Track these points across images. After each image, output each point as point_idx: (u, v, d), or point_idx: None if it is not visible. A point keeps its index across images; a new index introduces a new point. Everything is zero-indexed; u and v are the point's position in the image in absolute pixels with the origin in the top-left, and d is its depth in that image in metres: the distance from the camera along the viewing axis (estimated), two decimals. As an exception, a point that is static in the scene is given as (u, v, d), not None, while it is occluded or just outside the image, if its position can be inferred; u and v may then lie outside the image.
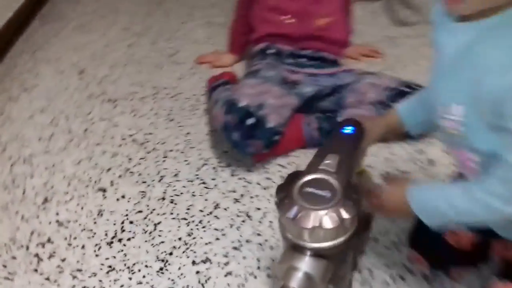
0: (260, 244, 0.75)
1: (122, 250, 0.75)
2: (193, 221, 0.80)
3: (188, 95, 1.12)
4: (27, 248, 0.76)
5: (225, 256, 0.73)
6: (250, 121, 0.86)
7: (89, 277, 0.71)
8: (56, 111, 1.09)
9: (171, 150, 0.96)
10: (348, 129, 0.60)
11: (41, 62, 1.30)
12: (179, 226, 0.79)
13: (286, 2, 1.06)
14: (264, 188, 0.85)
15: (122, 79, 1.20)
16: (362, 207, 0.55)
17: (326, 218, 0.50)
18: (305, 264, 0.53)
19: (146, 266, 0.73)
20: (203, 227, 0.78)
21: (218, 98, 0.95)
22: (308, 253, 0.53)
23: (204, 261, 0.73)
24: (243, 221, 0.79)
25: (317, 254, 0.53)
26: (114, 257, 0.74)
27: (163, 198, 0.85)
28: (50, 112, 1.08)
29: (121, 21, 1.51)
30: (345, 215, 0.50)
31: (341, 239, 0.52)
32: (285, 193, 0.53)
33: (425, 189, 0.56)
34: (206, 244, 0.75)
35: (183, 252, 0.74)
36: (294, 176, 0.55)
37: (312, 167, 0.56)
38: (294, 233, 0.53)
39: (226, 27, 1.25)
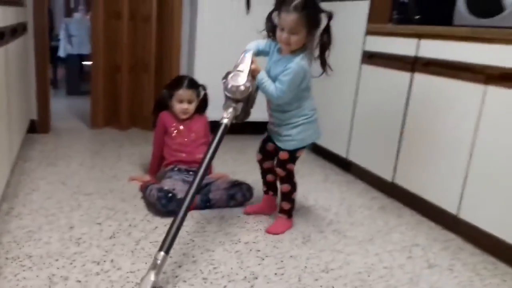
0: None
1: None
2: (142, 238, 1.79)
3: (132, 192, 2.17)
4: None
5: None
6: (170, 195, 1.94)
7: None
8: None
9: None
10: (246, 52, 1.73)
11: (36, 179, 2.23)
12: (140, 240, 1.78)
13: (182, 147, 2.21)
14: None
15: (90, 186, 2.20)
16: (253, 90, 1.70)
17: (240, 87, 1.65)
18: (234, 104, 1.66)
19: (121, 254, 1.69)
20: (151, 242, 1.78)
21: (152, 188, 2.02)
22: (234, 99, 1.66)
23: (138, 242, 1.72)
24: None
25: (238, 100, 1.66)
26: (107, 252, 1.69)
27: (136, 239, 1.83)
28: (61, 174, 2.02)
29: (76, 160, 2.54)
30: (246, 85, 1.65)
31: (245, 95, 1.66)
32: (225, 79, 1.67)
33: (265, 77, 1.71)
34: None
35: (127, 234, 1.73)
36: (228, 72, 1.69)
37: (233, 68, 1.69)
38: (230, 92, 1.65)
39: (142, 161, 2.39)
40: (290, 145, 1.79)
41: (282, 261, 1.64)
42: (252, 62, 1.71)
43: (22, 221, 1.78)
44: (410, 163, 2.20)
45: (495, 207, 1.75)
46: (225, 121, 1.64)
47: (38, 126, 3.03)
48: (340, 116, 2.74)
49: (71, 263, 1.52)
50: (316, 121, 1.81)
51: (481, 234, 1.82)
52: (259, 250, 1.71)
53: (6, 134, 1.96)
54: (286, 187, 1.85)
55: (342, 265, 1.65)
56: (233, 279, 1.51)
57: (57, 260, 1.53)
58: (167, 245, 1.41)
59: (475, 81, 1.85)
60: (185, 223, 1.58)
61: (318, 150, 3.06)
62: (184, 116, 2.24)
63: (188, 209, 1.52)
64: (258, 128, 2.17)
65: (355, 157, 2.64)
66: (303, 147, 1.82)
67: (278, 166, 1.83)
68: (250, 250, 1.71)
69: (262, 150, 1.95)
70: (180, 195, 1.94)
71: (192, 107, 2.24)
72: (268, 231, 1.86)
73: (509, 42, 1.71)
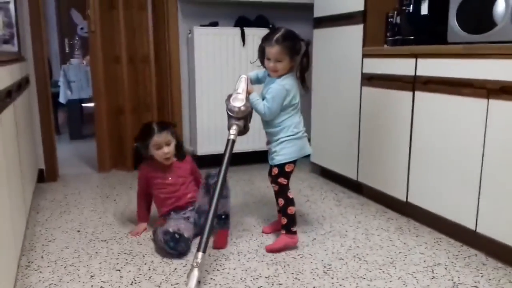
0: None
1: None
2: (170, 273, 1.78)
3: (147, 234, 2.17)
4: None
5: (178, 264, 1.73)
6: (177, 235, 1.91)
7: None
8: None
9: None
10: (242, 77, 1.99)
11: (51, 229, 2.23)
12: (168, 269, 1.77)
13: (171, 193, 2.15)
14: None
15: (105, 231, 2.20)
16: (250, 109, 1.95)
17: (241, 107, 1.92)
18: (236, 121, 1.92)
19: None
20: (179, 276, 1.78)
21: (158, 232, 2.00)
22: (236, 118, 1.92)
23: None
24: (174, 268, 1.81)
25: (239, 118, 1.92)
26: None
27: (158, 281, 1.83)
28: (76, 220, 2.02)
29: (88, 206, 2.55)
30: (246, 105, 1.93)
31: (245, 113, 1.93)
32: (228, 100, 1.95)
33: (256, 96, 1.96)
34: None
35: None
36: (229, 95, 1.97)
37: (233, 92, 1.97)
38: (232, 112, 1.92)
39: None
40: (277, 160, 1.98)
41: (306, 294, 1.63)
42: (247, 85, 1.98)
43: (42, 274, 1.78)
44: (422, 181, 2.21)
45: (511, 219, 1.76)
46: (231, 137, 1.89)
47: (46, 175, 3.05)
48: (347, 139, 2.76)
49: (95, 315, 1.51)
50: (300, 139, 1.99)
51: (502, 247, 1.81)
52: (281, 284, 1.70)
53: (20, 187, 1.97)
54: (281, 201, 2.00)
55: (367, 292, 1.64)
56: (260, 316, 1.49)
57: (81, 312, 1.52)
58: (203, 246, 1.69)
59: (477, 96, 1.88)
60: (204, 262, 1.59)
61: (328, 174, 3.07)
62: (168, 162, 2.14)
63: (217, 206, 1.80)
64: (264, 157, 2.21)
65: (366, 179, 2.64)
66: (290, 162, 1.98)
67: (272, 182, 2.04)
68: (272, 284, 1.70)
69: (270, 173, 2.09)
70: (186, 234, 1.94)
71: (172, 149, 2.13)
72: (266, 249, 2.00)
73: (505, 56, 1.75)
